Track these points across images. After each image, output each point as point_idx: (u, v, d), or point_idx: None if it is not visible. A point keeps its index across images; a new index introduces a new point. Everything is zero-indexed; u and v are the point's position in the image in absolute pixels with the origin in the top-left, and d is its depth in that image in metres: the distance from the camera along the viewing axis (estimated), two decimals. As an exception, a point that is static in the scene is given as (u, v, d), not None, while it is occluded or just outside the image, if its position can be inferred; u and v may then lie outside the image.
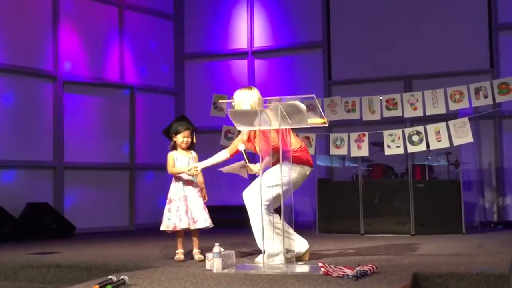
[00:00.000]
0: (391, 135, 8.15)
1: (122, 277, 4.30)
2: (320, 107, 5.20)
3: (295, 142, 5.36)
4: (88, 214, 9.83)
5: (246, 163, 5.39)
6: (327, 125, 5.15)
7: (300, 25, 11.07)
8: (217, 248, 4.82)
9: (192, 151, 5.84)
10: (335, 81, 10.77)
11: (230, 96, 9.15)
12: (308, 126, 5.04)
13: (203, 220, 5.62)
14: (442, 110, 8.21)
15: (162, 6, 11.46)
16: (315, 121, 5.08)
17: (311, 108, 6.15)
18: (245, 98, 5.34)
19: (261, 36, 11.34)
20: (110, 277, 4.29)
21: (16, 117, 9.26)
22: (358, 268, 4.41)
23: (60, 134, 9.73)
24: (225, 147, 8.49)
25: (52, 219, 9.02)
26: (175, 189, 5.70)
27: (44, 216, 8.94)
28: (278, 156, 4.95)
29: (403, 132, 8.10)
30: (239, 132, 5.63)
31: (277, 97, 4.93)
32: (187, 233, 5.79)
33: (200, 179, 5.79)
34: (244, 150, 5.42)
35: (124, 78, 10.70)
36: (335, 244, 6.94)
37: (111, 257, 6.06)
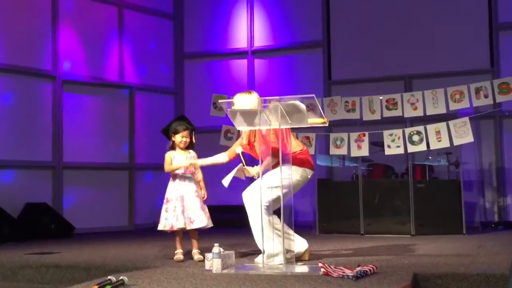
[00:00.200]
0: (391, 135, 8.14)
1: (121, 277, 4.29)
2: (320, 107, 5.20)
3: (296, 145, 5.37)
4: (87, 214, 9.82)
5: (244, 166, 5.38)
6: (327, 125, 5.14)
7: (300, 25, 11.05)
8: (216, 249, 4.82)
9: (191, 151, 5.82)
10: (335, 80, 10.76)
11: (230, 96, 9.17)
12: (308, 126, 5.04)
13: (200, 220, 5.61)
14: (443, 110, 8.19)
15: (161, 5, 11.45)
16: (315, 120, 5.08)
17: (311, 107, 6.14)
18: (244, 103, 5.32)
19: (261, 35, 11.32)
20: (109, 277, 4.28)
21: (15, 117, 9.25)
22: (358, 269, 4.41)
23: (59, 134, 9.71)
24: (224, 147, 8.51)
25: (51, 219, 9.01)
26: (172, 189, 5.70)
27: (43, 216, 8.93)
28: (278, 158, 4.94)
29: (403, 132, 8.09)
30: (239, 132, 5.62)
31: (277, 97, 4.92)
32: (186, 233, 5.78)
33: (199, 177, 5.77)
34: (242, 153, 5.42)
35: (123, 77, 10.68)
36: (335, 244, 6.93)
37: (110, 257, 6.05)
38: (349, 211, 8.40)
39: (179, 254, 5.66)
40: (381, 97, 8.50)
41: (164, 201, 5.72)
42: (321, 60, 10.86)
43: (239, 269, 4.87)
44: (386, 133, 8.18)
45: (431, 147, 8.07)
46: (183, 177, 5.70)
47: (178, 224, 5.59)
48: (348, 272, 4.35)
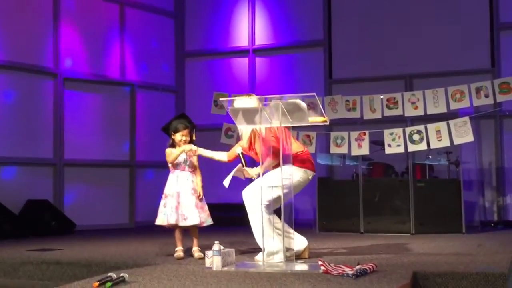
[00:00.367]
0: (391, 134, 8.14)
1: (121, 274, 4.30)
2: (320, 106, 5.20)
3: (297, 146, 5.39)
4: (88, 211, 9.84)
5: (243, 166, 5.40)
6: (327, 123, 5.16)
7: (301, 24, 11.06)
8: (216, 246, 4.82)
9: (191, 148, 5.84)
10: (336, 79, 10.77)
11: (231, 94, 9.19)
12: (309, 125, 5.05)
13: (193, 218, 5.62)
14: (443, 109, 8.19)
15: (163, 3, 11.46)
16: (315, 119, 5.09)
17: (312, 106, 6.12)
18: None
19: (262, 34, 11.33)
20: (109, 274, 4.28)
21: (16, 114, 9.26)
22: (358, 267, 4.41)
23: (60, 131, 9.73)
24: (225, 145, 8.52)
25: (52, 216, 9.03)
26: (170, 185, 5.73)
27: (44, 213, 8.95)
28: (279, 159, 4.96)
29: (404, 131, 8.10)
30: (239, 133, 5.63)
31: (278, 95, 4.93)
32: (186, 231, 5.80)
33: (197, 177, 5.79)
34: (242, 153, 5.44)
35: (124, 75, 10.69)
36: (335, 242, 6.94)
37: (111, 254, 6.07)
38: (349, 210, 8.41)
39: (179, 251, 5.68)
40: (381, 96, 8.50)
41: (163, 196, 5.75)
42: (322, 59, 10.87)
43: (239, 267, 4.88)
44: (386, 132, 8.18)
45: (432, 146, 8.07)
46: (182, 171, 5.73)
47: (170, 220, 5.62)
48: (348, 270, 4.36)
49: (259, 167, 5.23)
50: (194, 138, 5.84)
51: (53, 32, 9.77)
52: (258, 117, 4.93)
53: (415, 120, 8.58)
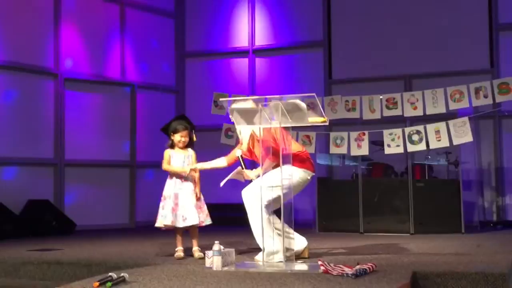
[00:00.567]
0: (391, 134, 8.16)
1: (122, 274, 4.31)
2: (320, 106, 5.21)
3: (296, 147, 5.40)
4: (88, 211, 9.85)
5: (243, 169, 5.42)
6: (327, 123, 5.16)
7: (301, 24, 11.07)
8: (217, 246, 4.83)
9: (189, 149, 5.86)
10: (335, 80, 10.78)
11: (231, 94, 9.21)
12: (309, 125, 5.06)
13: (192, 218, 5.64)
14: (442, 110, 8.21)
15: (163, 4, 11.47)
16: (315, 119, 5.10)
17: (312, 106, 6.14)
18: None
19: (262, 34, 11.34)
20: (110, 274, 4.29)
21: (17, 114, 9.27)
22: (357, 267, 4.42)
23: (61, 131, 9.74)
24: (225, 145, 8.54)
25: (52, 216, 9.04)
26: (169, 187, 5.75)
27: (44, 213, 8.96)
28: (278, 160, 4.97)
29: (403, 131, 8.11)
30: (239, 135, 5.65)
31: (278, 96, 4.94)
32: (186, 231, 5.82)
33: (196, 177, 5.80)
34: (241, 156, 5.46)
35: (125, 75, 10.71)
36: (334, 242, 6.95)
37: (111, 254, 6.08)
38: (349, 210, 8.43)
39: (179, 251, 5.70)
40: (381, 97, 8.52)
41: (162, 198, 5.76)
42: (321, 59, 10.88)
43: (239, 267, 4.89)
44: (386, 132, 8.20)
45: (431, 147, 8.09)
46: (180, 175, 5.74)
47: (165, 221, 5.65)
48: (348, 270, 4.37)
49: (258, 168, 5.24)
50: (194, 139, 5.85)
51: (54, 32, 9.78)
52: (257, 117, 4.94)
53: (414, 121, 8.60)
